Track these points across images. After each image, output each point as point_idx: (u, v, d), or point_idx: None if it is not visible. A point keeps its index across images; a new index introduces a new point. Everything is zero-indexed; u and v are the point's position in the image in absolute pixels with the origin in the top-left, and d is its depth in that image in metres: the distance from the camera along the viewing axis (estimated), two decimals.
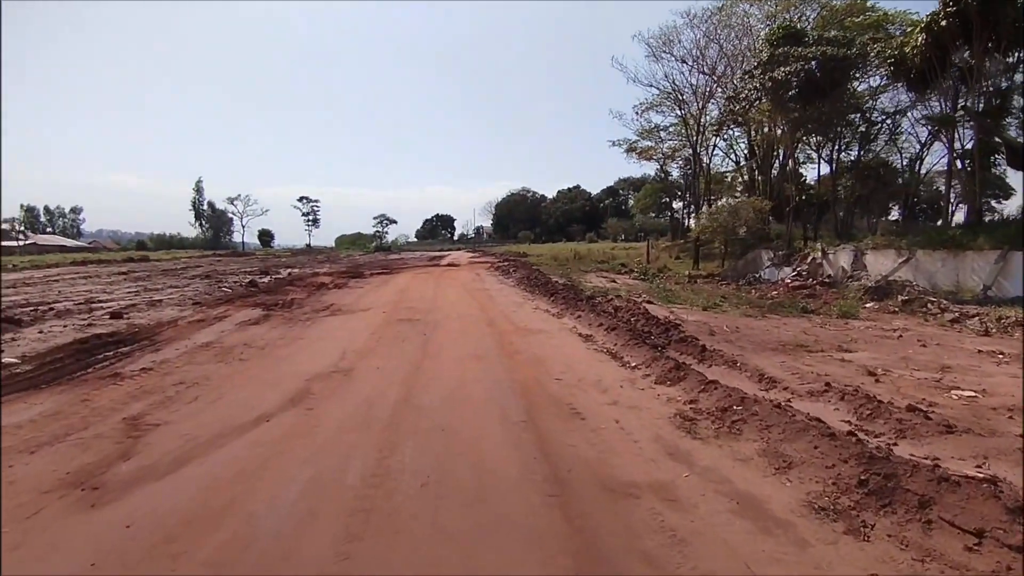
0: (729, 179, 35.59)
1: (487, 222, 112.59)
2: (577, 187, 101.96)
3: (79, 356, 6.85)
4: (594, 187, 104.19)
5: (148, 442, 3.91)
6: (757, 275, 20.33)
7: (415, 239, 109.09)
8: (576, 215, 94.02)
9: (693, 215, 27.77)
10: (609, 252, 32.49)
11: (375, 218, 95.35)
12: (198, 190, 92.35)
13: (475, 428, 4.27)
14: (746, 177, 31.82)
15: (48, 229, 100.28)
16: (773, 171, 28.90)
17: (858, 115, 18.82)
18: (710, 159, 28.89)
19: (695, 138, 25.14)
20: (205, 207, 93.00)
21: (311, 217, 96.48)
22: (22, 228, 71.56)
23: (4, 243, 61.98)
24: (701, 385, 5.15)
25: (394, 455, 3.68)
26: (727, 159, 33.81)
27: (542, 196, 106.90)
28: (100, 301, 12.37)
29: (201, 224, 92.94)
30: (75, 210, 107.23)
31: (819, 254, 17.65)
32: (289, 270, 25.56)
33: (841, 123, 18.67)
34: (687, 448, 3.88)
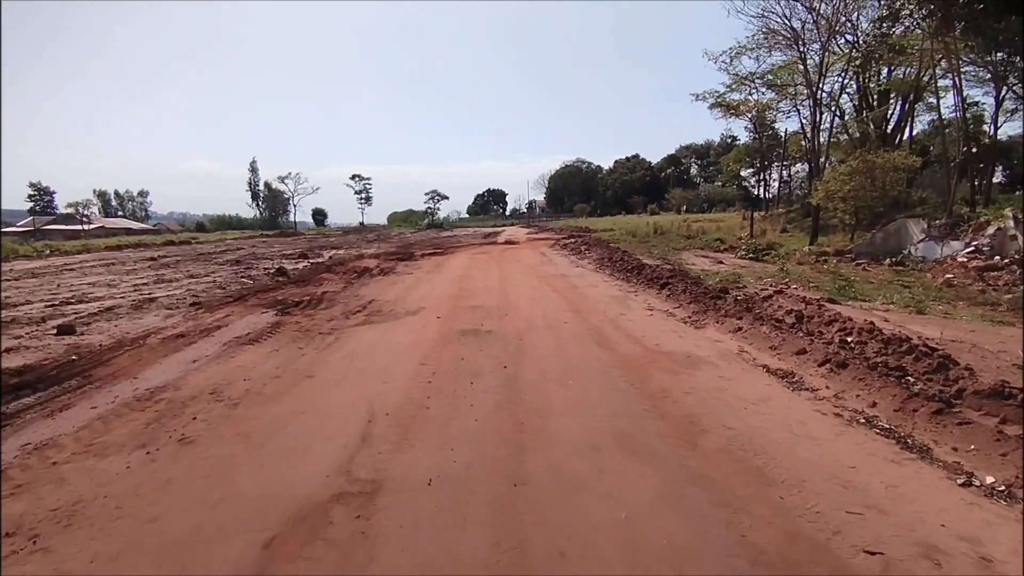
0: (832, 136, 30.33)
1: (540, 196, 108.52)
2: (636, 156, 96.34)
3: None
4: (654, 156, 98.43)
5: None
6: (905, 251, 15.91)
7: (467, 215, 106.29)
8: (636, 186, 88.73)
9: (811, 179, 22.77)
10: (692, 225, 28.16)
11: (427, 194, 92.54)
12: (253, 170, 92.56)
13: None
14: (854, 132, 26.54)
15: (119, 212, 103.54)
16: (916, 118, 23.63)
17: None
18: (834, 111, 23.55)
19: (816, 83, 20.34)
20: (261, 187, 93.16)
21: (364, 195, 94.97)
22: (87, 212, 72.83)
23: (70, 227, 63.26)
24: None
25: None
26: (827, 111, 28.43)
27: (598, 167, 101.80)
28: (85, 301, 9.71)
29: (257, 204, 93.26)
30: (142, 193, 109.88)
31: (1010, 223, 13.15)
32: (333, 251, 22.88)
33: None
34: None
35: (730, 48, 24.94)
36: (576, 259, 17.40)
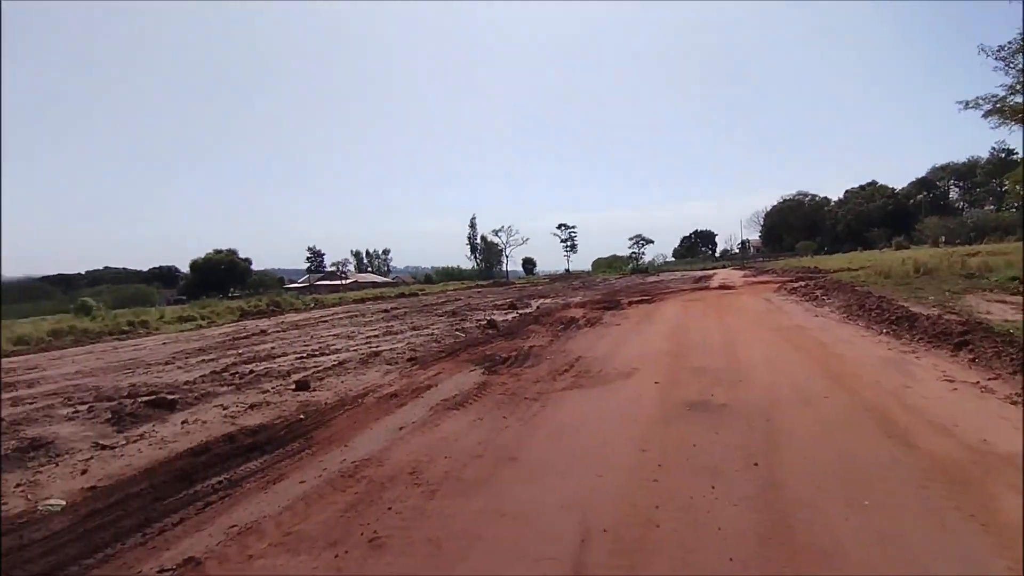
0: None
1: (754, 234, 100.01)
2: (873, 183, 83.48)
3: (146, 497, 4.10)
4: (897, 181, 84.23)
5: None
6: None
7: (672, 258, 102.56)
8: (874, 217, 76.26)
9: None
10: (968, 260, 22.35)
11: (630, 239, 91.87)
12: (472, 226, 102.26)
13: None
14: None
15: (368, 268, 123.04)
16: None
17: None
18: None
19: None
20: (478, 240, 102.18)
21: (569, 243, 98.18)
22: (345, 269, 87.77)
23: (333, 282, 76.38)
24: None
25: None
26: None
27: (824, 199, 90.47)
28: (326, 353, 10.77)
29: (475, 256, 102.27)
30: (385, 251, 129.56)
31: None
32: (540, 300, 23.15)
33: None
34: None
35: (1011, 40, 19.83)
36: (812, 306, 14.69)
